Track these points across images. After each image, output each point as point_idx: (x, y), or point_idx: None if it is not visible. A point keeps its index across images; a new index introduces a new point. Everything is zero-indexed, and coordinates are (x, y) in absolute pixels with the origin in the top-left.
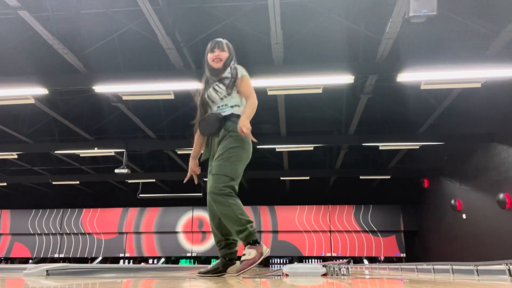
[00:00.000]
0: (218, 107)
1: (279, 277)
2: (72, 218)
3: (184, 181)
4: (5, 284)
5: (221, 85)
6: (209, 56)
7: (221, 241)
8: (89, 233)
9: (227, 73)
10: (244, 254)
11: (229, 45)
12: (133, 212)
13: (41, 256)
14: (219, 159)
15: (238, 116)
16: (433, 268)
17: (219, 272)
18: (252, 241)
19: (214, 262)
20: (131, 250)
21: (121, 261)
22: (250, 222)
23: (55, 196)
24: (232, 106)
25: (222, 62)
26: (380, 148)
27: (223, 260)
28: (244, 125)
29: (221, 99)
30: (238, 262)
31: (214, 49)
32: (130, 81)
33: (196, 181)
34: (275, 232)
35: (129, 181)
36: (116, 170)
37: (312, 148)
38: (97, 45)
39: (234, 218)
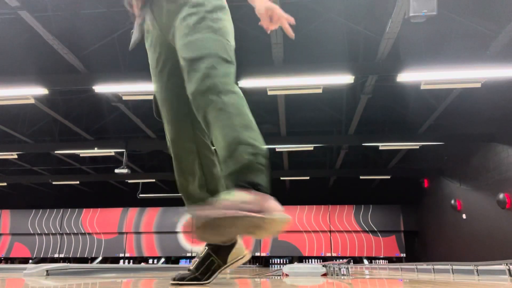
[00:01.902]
0: None
1: (279, 277)
2: (72, 218)
3: None
4: (5, 284)
5: None
6: None
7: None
8: (89, 233)
9: None
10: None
11: None
12: (133, 212)
13: (41, 256)
14: (197, 32)
15: None
16: (433, 268)
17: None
18: (250, 183)
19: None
20: (131, 250)
21: (121, 261)
22: (256, 146)
23: (55, 196)
24: None
25: None
26: (380, 148)
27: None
28: (270, 8)
29: None
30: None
31: None
32: (130, 81)
33: None
34: None
35: (129, 181)
36: (116, 170)
37: (312, 148)
38: (97, 45)
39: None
